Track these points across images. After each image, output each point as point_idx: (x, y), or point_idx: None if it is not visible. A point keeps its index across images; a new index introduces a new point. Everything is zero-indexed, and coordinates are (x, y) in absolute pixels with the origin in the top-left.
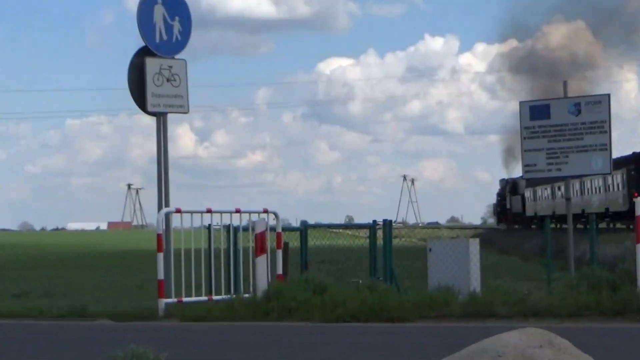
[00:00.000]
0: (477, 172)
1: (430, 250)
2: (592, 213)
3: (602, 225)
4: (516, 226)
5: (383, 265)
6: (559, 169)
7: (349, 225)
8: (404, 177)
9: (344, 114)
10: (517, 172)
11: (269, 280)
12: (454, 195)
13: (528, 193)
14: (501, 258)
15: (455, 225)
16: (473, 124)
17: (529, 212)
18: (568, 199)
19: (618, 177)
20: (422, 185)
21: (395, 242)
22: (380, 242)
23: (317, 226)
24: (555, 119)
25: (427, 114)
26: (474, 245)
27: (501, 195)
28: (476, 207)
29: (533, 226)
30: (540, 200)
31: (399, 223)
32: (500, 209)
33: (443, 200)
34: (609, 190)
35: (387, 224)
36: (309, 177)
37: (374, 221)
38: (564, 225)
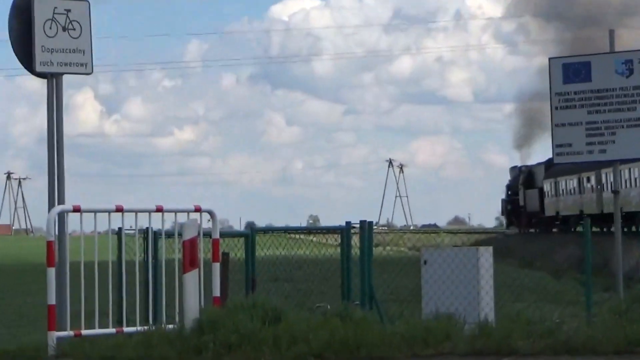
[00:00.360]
0: (491, 155)
1: (425, 263)
2: None
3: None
4: (532, 230)
5: (360, 285)
6: (603, 151)
7: (314, 229)
8: (390, 163)
9: (308, 76)
10: (534, 157)
11: (202, 305)
12: (459, 187)
13: (548, 186)
14: (523, 273)
15: (460, 229)
16: (485, 89)
17: (549, 211)
18: (616, 193)
19: None
20: (415, 173)
21: (377, 251)
22: (356, 252)
23: (269, 230)
24: (598, 81)
25: (421, 76)
26: (486, 255)
27: (512, 189)
28: (489, 204)
29: (554, 229)
30: (563, 196)
31: (383, 226)
32: (512, 207)
33: (443, 195)
34: None
35: (367, 227)
36: (259, 162)
37: (348, 223)
38: (594, 229)
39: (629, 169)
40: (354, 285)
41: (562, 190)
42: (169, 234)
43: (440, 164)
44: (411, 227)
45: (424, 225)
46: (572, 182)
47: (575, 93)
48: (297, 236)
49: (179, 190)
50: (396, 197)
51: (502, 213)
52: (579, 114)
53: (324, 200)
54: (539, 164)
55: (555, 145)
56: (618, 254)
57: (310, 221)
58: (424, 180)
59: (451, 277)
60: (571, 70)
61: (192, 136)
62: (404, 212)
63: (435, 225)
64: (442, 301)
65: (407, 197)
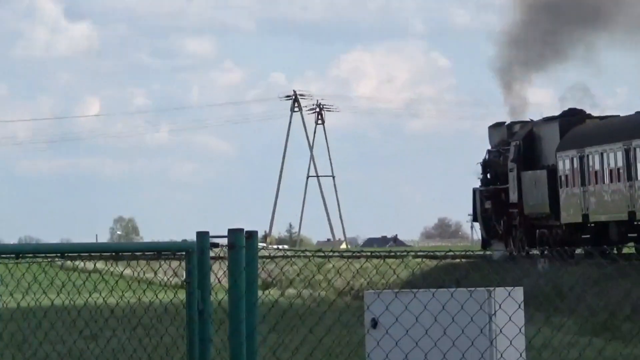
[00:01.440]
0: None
1: (374, 325)
2: None
3: None
4: (535, 251)
5: None
6: None
7: (125, 251)
8: (295, 102)
9: None
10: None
11: None
12: (446, 153)
13: (565, 162)
14: (593, 349)
15: (448, 250)
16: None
17: (569, 215)
18: None
19: None
20: (337, 141)
21: (266, 300)
22: (219, 297)
23: (20, 253)
24: None
25: None
26: (510, 306)
27: (494, 169)
28: None
29: (578, 250)
30: (598, 184)
31: (275, 246)
32: (493, 204)
33: (414, 173)
34: None
35: (243, 244)
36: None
37: (203, 236)
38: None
39: None
40: None
41: (596, 172)
42: None
43: (409, 102)
44: (343, 245)
45: (370, 240)
46: (617, 156)
47: None
48: (87, 265)
49: None
50: (308, 177)
51: (474, 218)
52: None
53: (156, 190)
54: (548, 119)
55: None
56: None
57: (119, 232)
58: (356, 152)
59: (434, 358)
60: None
61: None
62: (326, 210)
63: (397, 241)
64: None
65: (333, 177)
